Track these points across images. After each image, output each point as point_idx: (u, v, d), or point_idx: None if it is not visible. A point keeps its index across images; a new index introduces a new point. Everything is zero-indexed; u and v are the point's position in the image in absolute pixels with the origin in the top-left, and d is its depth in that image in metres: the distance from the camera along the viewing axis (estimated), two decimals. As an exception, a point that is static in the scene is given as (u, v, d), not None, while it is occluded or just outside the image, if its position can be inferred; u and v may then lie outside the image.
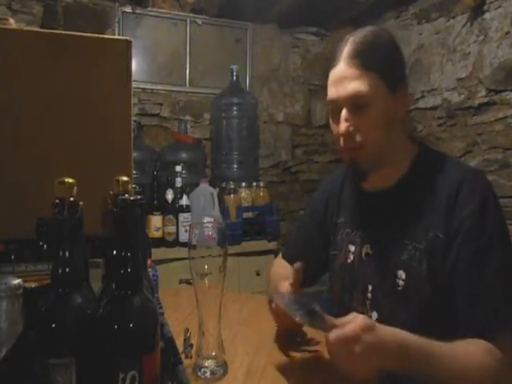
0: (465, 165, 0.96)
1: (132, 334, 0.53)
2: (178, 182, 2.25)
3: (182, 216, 2.17)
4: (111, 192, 0.68)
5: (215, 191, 2.34)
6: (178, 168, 2.31)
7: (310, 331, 0.95)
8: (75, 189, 0.58)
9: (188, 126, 2.74)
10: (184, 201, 2.20)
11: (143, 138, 2.64)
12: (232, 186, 2.41)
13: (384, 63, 0.86)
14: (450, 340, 0.75)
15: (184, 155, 2.49)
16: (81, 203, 0.55)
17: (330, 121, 0.92)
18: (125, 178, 0.70)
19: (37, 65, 0.83)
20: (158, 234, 2.15)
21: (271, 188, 2.80)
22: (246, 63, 2.98)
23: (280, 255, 1.19)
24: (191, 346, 0.81)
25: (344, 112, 0.86)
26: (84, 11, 2.53)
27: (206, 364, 0.75)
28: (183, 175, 2.33)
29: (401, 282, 0.85)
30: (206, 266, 0.74)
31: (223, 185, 2.47)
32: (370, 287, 0.92)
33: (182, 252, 2.07)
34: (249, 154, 2.69)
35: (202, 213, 2.19)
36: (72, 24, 2.46)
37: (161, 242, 2.16)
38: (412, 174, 0.91)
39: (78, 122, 0.85)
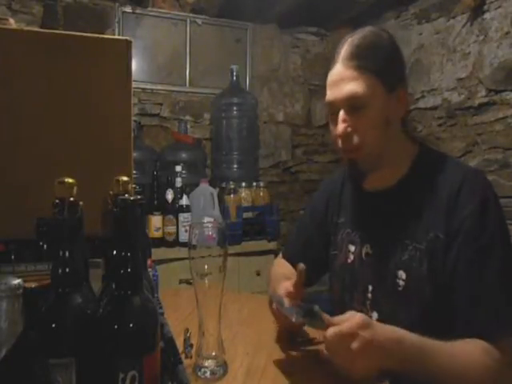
0: (465, 165, 0.96)
1: (132, 333, 0.53)
2: (178, 182, 2.25)
3: (182, 216, 2.17)
4: (111, 192, 0.68)
5: (215, 191, 2.34)
6: (178, 168, 2.31)
7: (311, 331, 0.95)
8: (75, 189, 0.58)
9: (188, 126, 2.74)
10: (184, 201, 2.20)
11: (143, 137, 2.64)
12: (232, 186, 2.41)
13: (382, 64, 0.86)
14: (450, 340, 0.75)
15: (184, 155, 2.49)
16: (81, 203, 0.55)
17: (329, 122, 0.92)
18: (125, 178, 0.70)
19: (37, 65, 0.83)
20: (158, 234, 2.15)
21: (271, 188, 2.80)
22: (246, 63, 2.98)
23: (280, 255, 1.19)
24: (191, 345, 0.81)
25: (341, 113, 0.87)
26: (84, 11, 2.53)
27: (206, 364, 0.75)
28: (183, 175, 2.33)
29: (401, 283, 0.85)
30: (206, 266, 0.74)
31: (223, 185, 2.47)
32: (370, 287, 0.92)
33: (182, 252, 2.07)
34: (249, 154, 2.69)
35: (202, 213, 2.19)
36: (72, 24, 2.46)
37: (161, 242, 2.16)
38: (412, 174, 0.91)
39: (78, 122, 0.85)
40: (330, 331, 0.70)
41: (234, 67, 2.66)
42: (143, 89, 2.70)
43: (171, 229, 2.17)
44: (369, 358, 0.70)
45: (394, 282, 0.86)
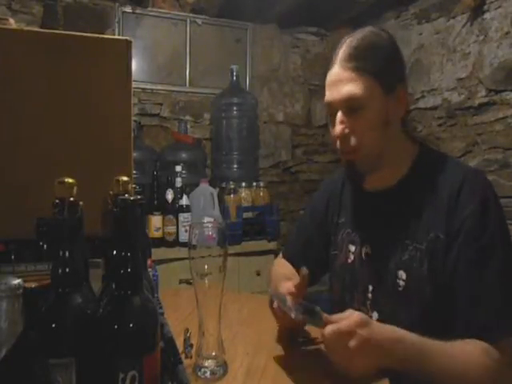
0: (465, 165, 0.96)
1: (132, 333, 0.53)
2: (178, 182, 2.25)
3: (182, 216, 2.17)
4: (111, 192, 0.68)
5: (215, 191, 2.34)
6: (178, 168, 2.31)
7: (312, 331, 0.95)
8: (75, 189, 0.57)
9: (188, 126, 2.74)
10: (184, 201, 2.20)
11: (143, 137, 2.64)
12: (232, 186, 2.41)
13: (381, 65, 0.86)
14: (450, 340, 0.75)
15: (184, 155, 2.49)
16: (81, 203, 0.55)
17: (328, 122, 0.93)
18: (125, 178, 0.70)
19: (37, 65, 0.83)
20: (158, 234, 2.15)
21: (271, 188, 2.80)
22: (246, 63, 2.98)
23: (281, 255, 1.19)
24: (191, 345, 0.81)
25: (339, 115, 0.87)
26: (84, 11, 2.53)
27: (206, 364, 0.75)
28: (183, 175, 2.33)
29: (401, 283, 0.86)
30: (206, 266, 0.74)
31: (223, 185, 2.47)
32: (370, 287, 0.92)
33: (182, 252, 2.07)
34: (249, 154, 2.69)
35: (202, 213, 2.19)
36: (72, 24, 2.46)
37: (161, 242, 2.16)
38: (413, 175, 0.91)
39: (77, 122, 0.85)
40: (328, 329, 0.71)
41: (234, 67, 2.66)
42: (143, 89, 2.70)
43: (171, 229, 2.17)
44: (366, 357, 0.70)
45: (394, 282, 0.86)
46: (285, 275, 1.02)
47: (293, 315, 0.75)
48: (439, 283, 0.82)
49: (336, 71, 0.87)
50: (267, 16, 2.85)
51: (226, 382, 0.74)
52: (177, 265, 2.06)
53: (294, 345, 0.91)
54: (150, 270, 0.88)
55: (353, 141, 0.87)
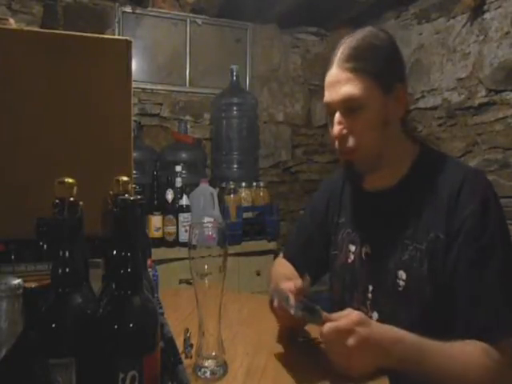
0: (465, 165, 0.96)
1: (132, 333, 0.53)
2: (178, 182, 2.25)
3: (182, 216, 2.17)
4: (111, 192, 0.68)
5: (215, 191, 2.34)
6: (178, 168, 2.31)
7: (312, 331, 0.94)
8: (75, 189, 0.57)
9: (188, 126, 2.74)
10: (184, 201, 2.20)
11: (143, 137, 2.64)
12: (232, 186, 2.41)
13: (379, 65, 0.86)
14: (449, 340, 0.75)
15: (184, 155, 2.49)
16: (81, 203, 0.55)
17: (328, 123, 0.93)
18: (125, 178, 0.70)
19: (37, 65, 0.83)
20: (158, 234, 2.15)
21: (271, 188, 2.80)
22: (246, 63, 2.98)
23: (281, 255, 1.19)
24: (191, 345, 0.81)
25: (337, 115, 0.87)
26: (84, 11, 2.53)
27: (206, 364, 0.75)
28: (183, 175, 2.33)
29: (401, 283, 0.86)
30: (206, 266, 0.74)
31: (223, 185, 2.47)
32: (370, 287, 0.92)
33: (182, 252, 2.07)
34: (249, 154, 2.69)
35: (202, 213, 2.19)
36: (72, 24, 2.46)
37: (161, 242, 2.16)
38: (413, 175, 0.91)
39: (77, 122, 0.85)
40: (327, 327, 0.71)
41: (234, 67, 2.66)
42: (143, 89, 2.70)
43: (171, 229, 2.17)
44: (365, 356, 0.70)
45: (394, 282, 0.87)
46: (285, 275, 1.02)
47: (292, 311, 0.75)
48: (439, 283, 0.82)
49: (334, 72, 0.87)
50: (267, 16, 2.85)
51: (226, 382, 0.74)
52: (177, 265, 2.06)
53: (294, 344, 0.91)
54: (150, 269, 0.88)
55: (351, 141, 0.87)
